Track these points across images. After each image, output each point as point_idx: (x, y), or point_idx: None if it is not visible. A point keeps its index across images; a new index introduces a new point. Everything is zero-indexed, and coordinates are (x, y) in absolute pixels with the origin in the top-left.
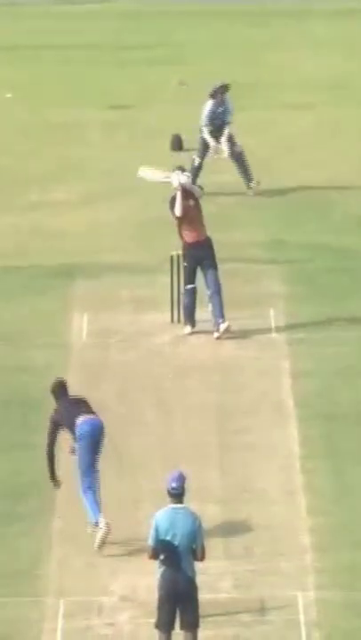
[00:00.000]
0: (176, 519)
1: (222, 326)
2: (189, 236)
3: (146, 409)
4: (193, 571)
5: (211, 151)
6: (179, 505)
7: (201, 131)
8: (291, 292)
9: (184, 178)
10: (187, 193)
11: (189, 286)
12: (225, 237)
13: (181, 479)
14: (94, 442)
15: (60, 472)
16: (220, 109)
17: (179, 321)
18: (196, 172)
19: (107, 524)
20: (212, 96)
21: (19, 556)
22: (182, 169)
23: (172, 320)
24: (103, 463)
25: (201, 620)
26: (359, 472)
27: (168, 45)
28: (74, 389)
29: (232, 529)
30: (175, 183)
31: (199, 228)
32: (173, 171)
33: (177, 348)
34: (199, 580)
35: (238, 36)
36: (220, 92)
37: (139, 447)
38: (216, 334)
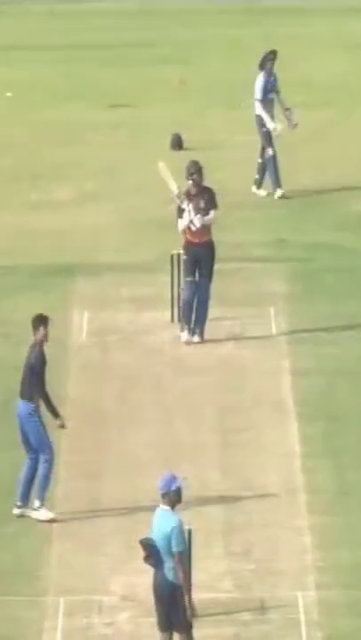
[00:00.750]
0: (158, 520)
1: (195, 338)
2: (191, 235)
3: (146, 409)
4: (175, 575)
5: (273, 133)
6: (164, 506)
7: (255, 114)
8: (291, 292)
9: (198, 221)
10: (197, 199)
11: (189, 278)
12: (226, 237)
13: (166, 480)
14: (19, 424)
15: (63, 472)
16: (272, 79)
17: (179, 320)
18: (273, 163)
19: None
20: (261, 66)
21: (19, 555)
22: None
23: (172, 319)
24: (103, 463)
25: (201, 619)
26: (359, 471)
27: (168, 44)
28: (74, 389)
29: (232, 528)
30: (185, 222)
31: (203, 230)
32: (189, 205)
33: (177, 347)
34: (199, 579)
35: (238, 35)
36: (268, 60)
37: (139, 447)
38: (192, 338)
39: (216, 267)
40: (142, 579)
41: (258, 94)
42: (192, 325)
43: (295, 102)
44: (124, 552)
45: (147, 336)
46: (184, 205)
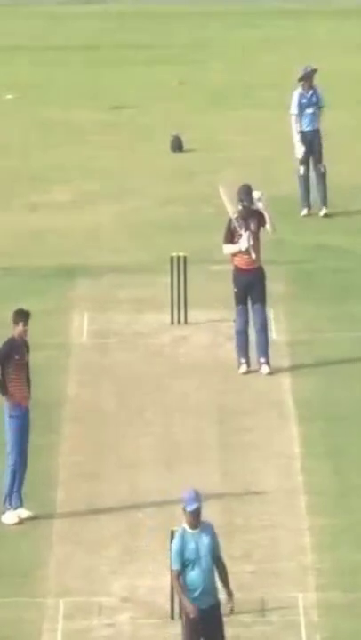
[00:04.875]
0: None
1: (264, 369)
2: (241, 262)
3: (146, 409)
4: None
5: (297, 155)
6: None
7: (292, 127)
8: (291, 293)
9: (246, 239)
10: (247, 222)
11: (240, 305)
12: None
13: (185, 498)
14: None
15: (63, 473)
16: (310, 93)
17: (179, 322)
18: (321, 179)
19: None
20: (301, 79)
21: (19, 556)
22: (253, 232)
23: (172, 321)
24: (103, 463)
25: None
26: (359, 472)
27: (168, 45)
28: (74, 389)
29: (232, 529)
30: (241, 247)
31: (252, 259)
32: (246, 230)
33: (177, 348)
34: None
35: (237, 36)
36: (308, 77)
37: (139, 447)
38: (261, 369)
39: (217, 268)
40: (142, 580)
41: (292, 108)
42: (258, 355)
43: None
44: (125, 553)
45: (147, 337)
46: (242, 231)
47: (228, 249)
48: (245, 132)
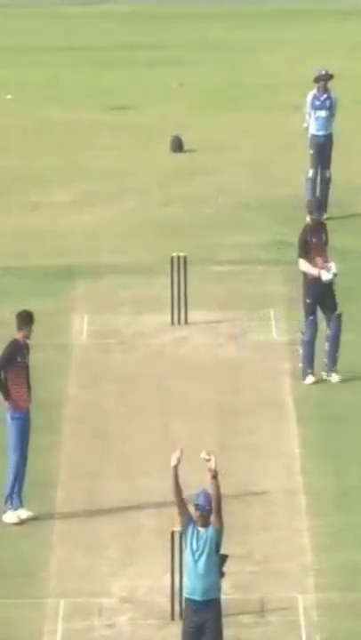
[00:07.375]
0: None
1: (333, 377)
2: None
3: (146, 409)
4: None
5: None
6: None
7: (306, 129)
8: (291, 293)
9: (334, 268)
10: (319, 234)
11: (311, 317)
12: (224, 239)
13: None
14: None
15: (63, 472)
16: (324, 96)
17: (179, 322)
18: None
19: None
20: (316, 81)
21: (19, 557)
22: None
23: (172, 321)
24: (103, 463)
25: None
26: (359, 472)
27: (168, 46)
28: (74, 390)
29: (232, 530)
30: (324, 277)
31: (325, 266)
32: (331, 261)
33: (177, 348)
34: None
35: (237, 37)
36: (321, 79)
37: (139, 447)
38: (329, 377)
39: (217, 268)
40: (142, 581)
41: (307, 107)
42: (329, 364)
43: (294, 103)
44: (125, 554)
45: (146, 338)
46: (328, 264)
47: (306, 268)
48: (245, 132)
